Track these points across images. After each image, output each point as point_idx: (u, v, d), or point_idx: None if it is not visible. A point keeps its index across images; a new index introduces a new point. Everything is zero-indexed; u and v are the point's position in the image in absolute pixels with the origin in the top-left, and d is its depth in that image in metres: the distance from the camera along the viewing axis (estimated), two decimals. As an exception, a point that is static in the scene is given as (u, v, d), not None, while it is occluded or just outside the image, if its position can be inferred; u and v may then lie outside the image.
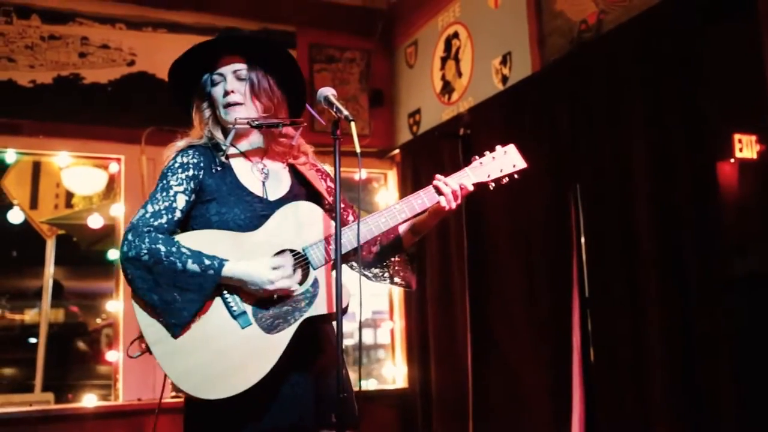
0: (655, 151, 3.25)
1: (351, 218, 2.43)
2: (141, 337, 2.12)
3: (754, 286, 3.25)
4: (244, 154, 2.33)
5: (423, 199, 2.32)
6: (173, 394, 4.78)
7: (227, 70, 2.29)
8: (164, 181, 2.21)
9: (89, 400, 4.67)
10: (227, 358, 2.07)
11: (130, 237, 2.10)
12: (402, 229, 2.44)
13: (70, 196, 5.80)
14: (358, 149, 2.00)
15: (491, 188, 2.40)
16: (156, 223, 2.13)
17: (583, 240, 3.69)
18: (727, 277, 2.95)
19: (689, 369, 3.05)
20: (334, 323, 2.19)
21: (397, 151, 5.62)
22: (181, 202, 2.18)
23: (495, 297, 4.31)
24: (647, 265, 3.25)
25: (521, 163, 2.41)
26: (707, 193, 3.01)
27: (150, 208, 2.16)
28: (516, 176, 2.40)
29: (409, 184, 5.35)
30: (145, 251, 2.06)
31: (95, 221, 5.00)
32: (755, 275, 3.30)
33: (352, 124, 2.04)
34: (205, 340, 2.07)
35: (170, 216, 2.16)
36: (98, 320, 6.74)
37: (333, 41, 5.57)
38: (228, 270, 2.07)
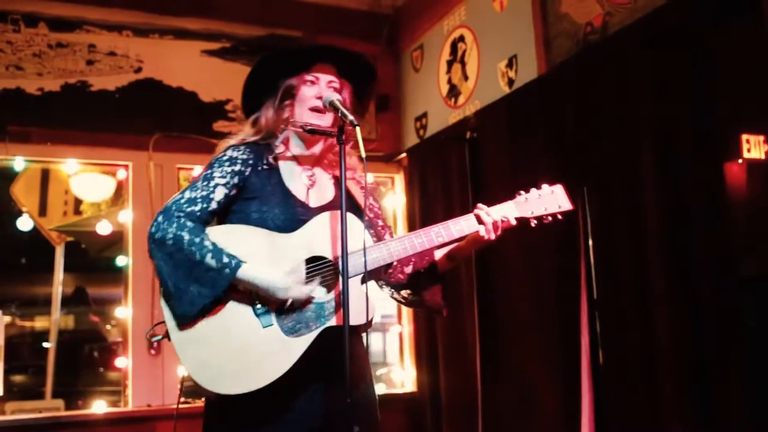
0: (662, 153, 3.24)
1: (387, 237, 2.42)
2: (162, 323, 2.12)
3: (763, 286, 3.23)
4: (297, 159, 2.34)
5: (462, 226, 2.31)
6: (183, 399, 4.79)
7: (323, 77, 2.33)
8: (209, 171, 2.22)
9: (99, 407, 4.67)
10: (245, 354, 2.06)
11: (160, 219, 2.11)
12: (438, 254, 2.43)
13: (78, 203, 5.83)
14: (363, 154, 2.01)
15: (533, 225, 2.38)
16: (188, 210, 2.14)
17: (590, 242, 3.68)
18: (735, 277, 2.94)
19: (699, 371, 3.04)
20: (363, 335, 2.21)
21: (403, 155, 5.62)
22: (219, 194, 2.19)
23: (503, 300, 4.30)
24: (655, 266, 3.24)
25: (567, 205, 2.41)
26: (715, 194, 3.00)
27: (187, 194, 2.17)
28: (560, 217, 2.39)
29: (416, 188, 5.36)
30: (171, 236, 2.07)
31: (104, 228, 5.02)
32: (764, 276, 3.29)
33: (357, 129, 2.05)
34: (226, 333, 2.07)
35: (205, 205, 2.16)
36: (108, 327, 6.76)
37: (338, 45, 5.56)
38: (243, 272, 2.06)
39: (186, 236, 2.07)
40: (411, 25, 5.68)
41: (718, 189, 3.00)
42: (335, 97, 2.19)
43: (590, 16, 3.88)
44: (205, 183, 2.19)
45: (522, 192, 2.41)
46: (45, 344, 5.77)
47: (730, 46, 3.23)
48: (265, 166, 2.27)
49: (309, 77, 2.32)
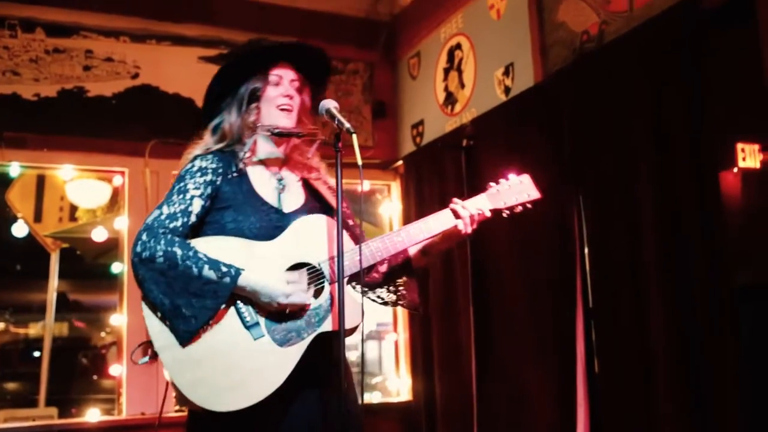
0: (658, 161, 3.24)
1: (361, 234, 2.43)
2: (147, 343, 2.09)
3: (758, 295, 3.24)
4: (264, 163, 2.32)
5: (440, 221, 2.34)
6: (177, 408, 4.78)
7: (286, 75, 2.32)
8: (181, 184, 2.18)
9: (93, 415, 4.65)
10: (238, 369, 2.03)
11: (144, 237, 2.07)
12: (412, 250, 2.43)
13: (74, 209, 5.82)
14: (359, 161, 2.01)
15: (505, 215, 2.43)
16: (171, 226, 2.11)
17: (586, 250, 3.68)
18: (731, 286, 2.94)
19: (695, 379, 3.03)
20: (347, 339, 2.20)
21: (400, 162, 5.62)
22: (197, 206, 2.16)
23: (498, 308, 4.30)
24: (651, 274, 3.24)
25: (535, 194, 2.46)
26: (711, 203, 3.00)
27: (165, 210, 2.14)
28: (529, 206, 2.44)
29: (413, 196, 5.35)
30: (161, 254, 2.03)
31: (99, 234, 5.01)
32: (760, 285, 3.29)
33: (354, 136, 2.04)
34: (217, 349, 2.04)
35: (185, 219, 2.13)
36: (102, 334, 6.74)
37: (336, 53, 5.56)
38: (244, 279, 2.04)
39: (178, 251, 2.04)
40: (408, 32, 5.69)
41: (714, 197, 3.00)
42: (332, 105, 2.18)
43: (586, 25, 3.89)
44: (180, 196, 2.16)
45: (492, 184, 2.45)
46: (36, 354, 5.75)
47: (724, 55, 3.24)
48: (234, 174, 2.24)
49: (273, 77, 2.31)
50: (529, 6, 4.31)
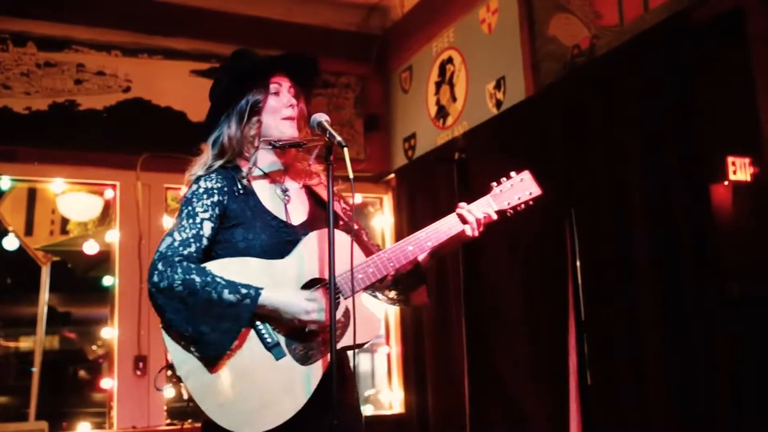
0: (649, 174, 3.26)
1: (366, 240, 2.43)
2: (169, 368, 2.08)
3: (750, 308, 3.24)
4: (267, 175, 2.32)
5: (448, 228, 2.36)
6: (168, 421, 4.75)
7: (284, 84, 2.34)
8: (189, 208, 2.17)
9: (83, 429, 4.62)
10: (263, 391, 2.04)
11: (161, 267, 2.05)
12: (421, 254, 2.44)
13: (65, 222, 5.80)
14: (351, 175, 2.01)
15: (509, 215, 2.45)
16: (186, 252, 2.09)
17: (578, 263, 3.69)
18: (722, 298, 2.94)
19: (688, 391, 3.04)
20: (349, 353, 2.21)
21: (392, 175, 5.63)
22: (207, 229, 2.15)
23: (491, 321, 4.29)
24: (643, 287, 3.24)
25: (537, 190, 2.47)
26: (702, 216, 3.02)
27: (177, 236, 2.12)
28: (531, 203, 2.46)
29: (405, 209, 5.36)
30: (179, 282, 2.02)
31: (90, 247, 4.99)
32: (751, 297, 3.29)
33: (345, 149, 2.04)
34: (241, 372, 2.04)
35: (198, 244, 2.12)
36: (94, 347, 6.71)
37: (328, 66, 5.59)
38: (264, 299, 2.04)
39: (197, 278, 2.03)
40: (400, 46, 5.71)
41: (705, 210, 3.02)
42: (323, 118, 2.18)
43: (577, 39, 3.91)
44: (190, 221, 2.15)
45: (494, 185, 2.46)
46: (32, 370, 5.70)
47: (715, 69, 3.26)
48: (240, 191, 2.24)
49: (273, 88, 2.31)
50: (520, 20, 4.34)
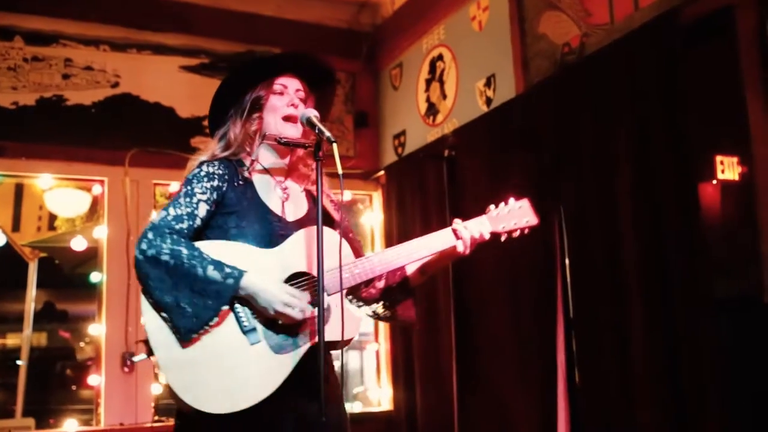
0: (638, 172, 3.26)
1: (361, 249, 2.44)
2: (144, 341, 2.08)
3: (738, 307, 3.25)
4: (269, 172, 2.34)
5: (441, 241, 2.35)
6: (156, 418, 4.74)
7: (291, 85, 2.34)
8: (188, 187, 2.20)
9: (70, 425, 4.60)
10: (233, 372, 2.04)
11: (150, 236, 2.08)
12: (410, 269, 2.45)
13: (52, 218, 5.78)
14: (340, 171, 2.01)
15: (502, 240, 2.44)
16: (177, 227, 2.13)
17: (567, 261, 3.69)
18: (711, 298, 2.95)
19: (675, 391, 3.05)
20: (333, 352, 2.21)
21: (382, 172, 5.62)
22: (202, 210, 2.18)
23: (480, 319, 4.30)
24: (631, 286, 3.25)
25: (534, 220, 2.47)
26: (690, 214, 3.02)
27: (172, 211, 2.16)
28: (526, 231, 2.45)
29: (394, 206, 5.35)
30: (167, 252, 2.05)
31: (78, 244, 4.96)
32: (739, 297, 3.31)
33: (335, 145, 2.05)
34: (212, 351, 2.05)
35: (191, 222, 2.16)
36: (81, 344, 6.68)
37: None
38: (247, 281, 2.06)
39: (184, 251, 2.06)
40: (390, 43, 5.70)
41: (693, 209, 3.02)
42: (312, 114, 2.19)
43: (568, 37, 3.91)
44: (187, 200, 2.18)
45: (492, 207, 2.46)
46: (18, 362, 5.68)
47: (704, 68, 3.27)
48: (240, 182, 2.27)
49: (277, 86, 2.33)
50: (511, 18, 4.34)
